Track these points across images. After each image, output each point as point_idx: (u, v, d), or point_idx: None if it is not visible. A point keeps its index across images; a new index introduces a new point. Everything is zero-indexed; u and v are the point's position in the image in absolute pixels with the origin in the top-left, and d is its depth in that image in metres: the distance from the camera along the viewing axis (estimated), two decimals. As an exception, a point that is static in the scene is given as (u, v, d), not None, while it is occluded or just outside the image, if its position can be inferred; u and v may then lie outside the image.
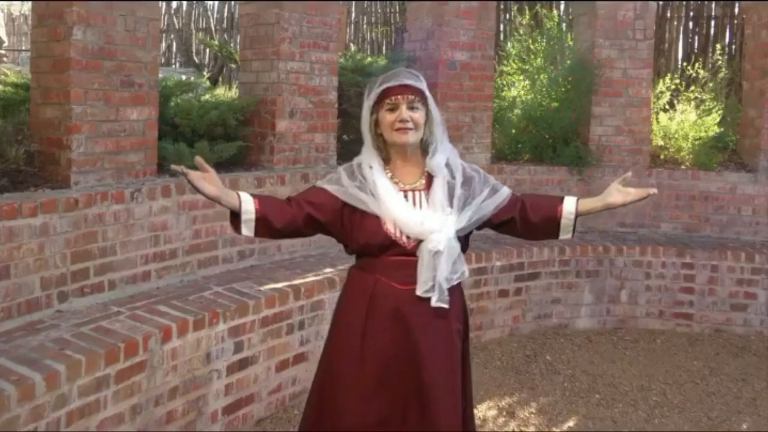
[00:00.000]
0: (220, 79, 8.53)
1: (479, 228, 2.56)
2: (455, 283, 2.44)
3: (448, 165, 2.48)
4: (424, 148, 2.48)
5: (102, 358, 2.96)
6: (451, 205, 2.42)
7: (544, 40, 6.53)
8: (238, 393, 3.72)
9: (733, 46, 7.85)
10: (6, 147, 3.68)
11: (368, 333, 2.42)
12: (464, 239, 2.51)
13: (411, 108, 2.42)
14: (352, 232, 2.44)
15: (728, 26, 7.96)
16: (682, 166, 6.28)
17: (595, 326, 5.55)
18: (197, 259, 4.16)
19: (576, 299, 5.53)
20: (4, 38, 9.57)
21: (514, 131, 6.35)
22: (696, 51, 8.01)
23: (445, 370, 2.43)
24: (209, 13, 9.97)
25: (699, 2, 8.12)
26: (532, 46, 6.64)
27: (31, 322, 3.26)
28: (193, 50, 9.96)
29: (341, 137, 5.43)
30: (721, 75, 7.01)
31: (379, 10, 9.51)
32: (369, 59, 5.89)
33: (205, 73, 8.38)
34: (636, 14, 6.12)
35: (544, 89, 6.36)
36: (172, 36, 10.23)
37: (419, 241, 2.39)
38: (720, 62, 7.12)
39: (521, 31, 7.14)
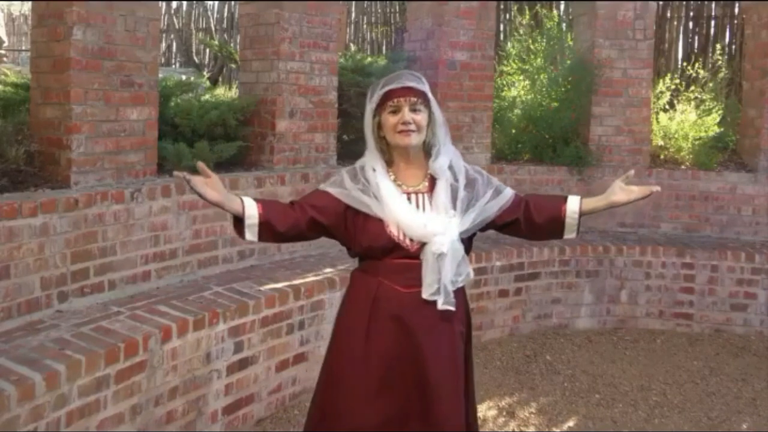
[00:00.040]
0: (220, 79, 8.53)
1: (483, 230, 2.55)
2: (460, 285, 2.44)
3: (451, 167, 2.48)
4: (427, 150, 2.47)
5: (102, 358, 2.96)
6: (454, 207, 2.42)
7: (544, 40, 6.53)
8: (238, 393, 3.72)
9: (733, 46, 7.85)
10: (6, 147, 3.68)
11: (371, 335, 2.42)
12: (468, 241, 2.51)
13: (413, 110, 2.41)
14: (356, 235, 2.44)
15: (728, 26, 7.96)
16: (682, 166, 6.28)
17: (595, 326, 5.55)
18: (197, 259, 4.16)
19: (576, 299, 5.53)
20: (4, 38, 9.57)
21: (514, 131, 6.36)
22: (696, 51, 8.02)
23: (448, 372, 2.43)
24: (209, 13, 9.97)
25: (699, 2, 8.12)
26: (532, 46, 6.64)
27: (31, 322, 3.26)
28: (193, 50, 9.97)
29: (341, 137, 5.43)
30: (721, 75, 7.02)
31: (379, 10, 9.51)
32: (369, 59, 5.89)
33: (205, 73, 8.38)
34: (636, 14, 6.12)
35: (544, 89, 6.36)
36: (172, 36, 10.24)
37: (422, 244, 2.38)
38: (720, 62, 7.12)
39: (521, 31, 7.15)
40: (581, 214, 2.52)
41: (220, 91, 5.99)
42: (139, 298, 3.68)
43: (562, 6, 8.34)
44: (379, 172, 2.45)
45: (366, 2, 9.48)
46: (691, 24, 8.16)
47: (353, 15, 9.48)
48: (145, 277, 3.87)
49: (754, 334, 5.45)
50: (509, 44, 7.05)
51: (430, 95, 2.47)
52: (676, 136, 6.37)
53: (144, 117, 4.04)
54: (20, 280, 3.24)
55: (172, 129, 4.55)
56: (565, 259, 5.45)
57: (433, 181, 2.47)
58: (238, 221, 2.41)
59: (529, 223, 2.53)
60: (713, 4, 8.05)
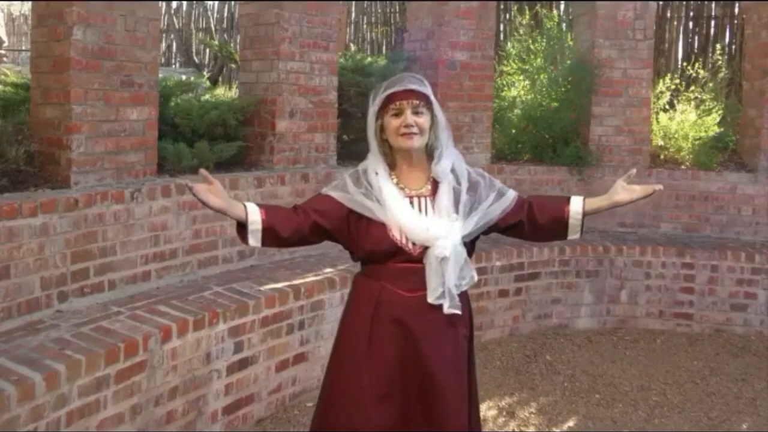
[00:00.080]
0: (220, 79, 8.53)
1: (486, 233, 2.55)
2: (464, 288, 2.44)
3: (453, 170, 2.47)
4: (430, 153, 2.47)
5: (102, 358, 2.96)
6: (456, 211, 2.42)
7: (544, 40, 6.53)
8: (238, 393, 3.72)
9: (733, 46, 7.85)
10: (6, 147, 3.68)
11: (374, 340, 2.41)
12: (470, 244, 2.50)
13: (416, 113, 2.41)
14: (358, 240, 2.44)
15: (728, 26, 7.96)
16: (682, 166, 6.28)
17: (595, 326, 5.55)
18: (197, 259, 4.16)
19: (576, 299, 5.53)
20: (4, 38, 9.57)
21: (514, 131, 6.36)
22: (696, 51, 8.02)
23: (451, 375, 2.43)
24: (209, 13, 9.97)
25: (699, 2, 8.12)
26: (532, 46, 6.64)
27: (31, 322, 3.26)
28: (193, 50, 9.97)
29: (341, 137, 5.43)
30: (721, 75, 7.02)
31: (379, 10, 9.51)
32: (369, 59, 5.89)
33: (205, 73, 8.38)
34: (636, 14, 6.12)
35: (544, 89, 6.36)
36: (172, 36, 10.24)
37: (425, 248, 2.38)
38: (720, 62, 7.13)
39: (521, 31, 7.15)
40: (584, 214, 2.52)
41: (220, 91, 5.99)
42: (139, 298, 3.68)
43: (562, 6, 8.35)
44: (382, 175, 2.45)
45: (366, 2, 9.48)
46: (691, 24, 8.16)
47: (353, 15, 9.48)
48: (145, 277, 3.87)
49: (754, 334, 5.45)
50: (509, 44, 7.05)
51: (432, 98, 2.47)
52: (676, 136, 6.37)
53: (144, 117, 4.04)
54: (20, 280, 3.24)
55: (172, 129, 4.55)
56: (565, 259, 5.45)
57: (435, 184, 2.46)
58: (241, 227, 2.41)
59: (532, 225, 2.53)
60: (713, 4, 8.05)
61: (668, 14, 8.13)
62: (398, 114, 2.41)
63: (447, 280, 2.36)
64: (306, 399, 4.10)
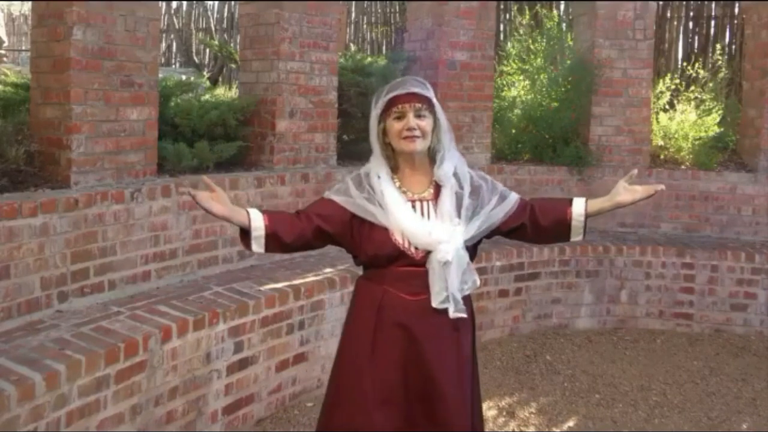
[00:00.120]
0: (220, 79, 8.53)
1: (489, 236, 2.55)
2: (466, 293, 2.44)
3: (455, 174, 2.47)
4: (432, 156, 2.47)
5: (102, 358, 2.96)
6: (459, 215, 2.42)
7: (544, 40, 6.53)
8: (238, 393, 3.72)
9: (733, 46, 7.85)
10: (6, 147, 3.68)
11: (377, 344, 2.41)
12: (472, 248, 2.50)
13: (418, 116, 2.41)
14: (361, 244, 2.44)
15: (728, 26, 7.96)
16: (682, 166, 6.28)
17: (595, 326, 5.55)
18: (197, 259, 4.16)
19: (576, 299, 5.53)
20: (4, 38, 9.57)
21: (514, 131, 6.36)
22: (696, 51, 8.02)
23: (454, 378, 2.43)
24: (209, 13, 9.97)
25: (699, 2, 8.12)
26: (532, 46, 6.64)
27: (31, 322, 3.26)
28: (193, 50, 9.97)
29: (341, 137, 5.43)
30: (721, 75, 7.02)
31: (379, 10, 9.51)
32: (369, 59, 5.89)
33: (205, 73, 8.38)
34: (636, 14, 6.12)
35: (544, 89, 6.36)
36: (172, 36, 10.23)
37: (428, 252, 2.38)
38: (720, 62, 7.13)
39: (521, 31, 7.15)
40: (587, 216, 2.52)
41: (220, 91, 5.99)
42: (139, 298, 3.68)
43: (562, 6, 8.34)
44: (384, 179, 2.44)
45: (366, 2, 9.48)
46: (691, 24, 8.16)
47: (353, 15, 9.48)
48: (145, 277, 3.87)
49: (754, 334, 5.45)
50: (509, 44, 7.05)
51: (435, 101, 2.47)
52: (676, 136, 6.37)
53: (144, 117, 4.04)
54: (20, 280, 3.24)
55: (172, 129, 4.55)
56: (565, 259, 5.45)
57: (438, 188, 2.46)
58: (245, 233, 2.41)
59: (534, 227, 2.53)
60: (713, 4, 8.05)
61: (668, 14, 8.13)
62: (400, 117, 2.41)
63: (450, 284, 2.37)
64: (306, 399, 4.10)
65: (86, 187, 3.70)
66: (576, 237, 2.55)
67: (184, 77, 5.82)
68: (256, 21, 4.86)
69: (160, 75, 4.48)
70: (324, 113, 5.02)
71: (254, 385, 3.80)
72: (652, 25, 6.28)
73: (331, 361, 2.62)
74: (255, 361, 3.78)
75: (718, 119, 6.44)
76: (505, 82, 6.71)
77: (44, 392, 2.69)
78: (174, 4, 10.57)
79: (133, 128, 3.98)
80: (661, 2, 7.70)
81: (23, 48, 12.02)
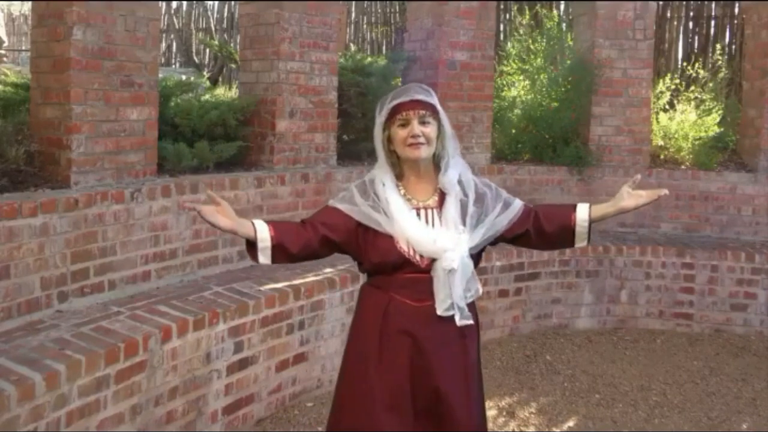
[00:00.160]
0: (220, 79, 8.53)
1: (494, 243, 2.56)
2: (470, 301, 2.45)
3: (460, 181, 2.47)
4: (437, 163, 2.47)
5: (102, 358, 2.96)
6: (463, 223, 2.42)
7: (544, 40, 6.53)
8: (238, 393, 3.72)
9: (733, 46, 7.85)
10: (6, 147, 3.68)
11: (383, 351, 2.41)
12: (477, 256, 2.51)
13: (422, 123, 2.40)
14: (366, 251, 2.44)
15: (728, 26, 7.96)
16: (682, 166, 6.28)
17: (595, 326, 5.55)
18: (197, 259, 4.16)
19: (576, 299, 5.53)
20: (4, 38, 9.57)
21: (514, 131, 6.36)
22: (696, 51, 8.02)
23: (460, 383, 2.44)
24: (209, 13, 9.97)
25: (699, 2, 8.12)
26: (532, 46, 6.64)
27: (31, 322, 3.26)
28: (193, 50, 9.97)
29: (341, 137, 5.43)
30: (721, 75, 7.02)
31: (379, 10, 9.51)
32: (369, 59, 5.89)
33: (205, 73, 8.38)
34: (636, 14, 6.12)
35: (544, 89, 6.36)
36: (172, 36, 10.23)
37: (432, 260, 2.38)
38: (720, 62, 7.13)
39: (521, 31, 7.15)
40: (591, 221, 2.53)
41: (220, 91, 5.99)
42: (139, 298, 3.68)
43: (562, 6, 8.34)
44: (389, 186, 2.44)
45: (366, 2, 9.48)
46: (691, 24, 8.16)
47: (353, 15, 9.48)
48: (145, 277, 3.87)
49: (754, 334, 5.45)
50: (509, 44, 7.05)
51: (439, 108, 2.47)
52: (676, 136, 6.37)
53: (144, 117, 4.04)
54: (20, 280, 3.24)
55: (172, 129, 4.55)
56: (565, 259, 5.45)
57: (442, 195, 2.46)
58: (251, 245, 2.40)
59: (539, 234, 2.54)
60: (713, 4, 8.05)
61: (668, 14, 8.13)
62: (405, 124, 2.41)
63: (454, 292, 2.37)
64: (306, 399, 4.10)
65: (86, 187, 3.70)
66: (580, 243, 2.56)
67: (184, 77, 5.82)
68: (256, 21, 4.86)
69: (160, 75, 4.48)
70: (324, 113, 5.01)
71: (254, 385, 3.80)
72: (652, 25, 6.28)
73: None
74: (255, 361, 3.78)
75: (718, 119, 6.44)
76: (505, 82, 6.71)
77: (44, 392, 2.69)
78: (174, 4, 10.58)
79: (133, 128, 3.98)
80: (661, 2, 7.70)
81: (23, 48, 12.02)
